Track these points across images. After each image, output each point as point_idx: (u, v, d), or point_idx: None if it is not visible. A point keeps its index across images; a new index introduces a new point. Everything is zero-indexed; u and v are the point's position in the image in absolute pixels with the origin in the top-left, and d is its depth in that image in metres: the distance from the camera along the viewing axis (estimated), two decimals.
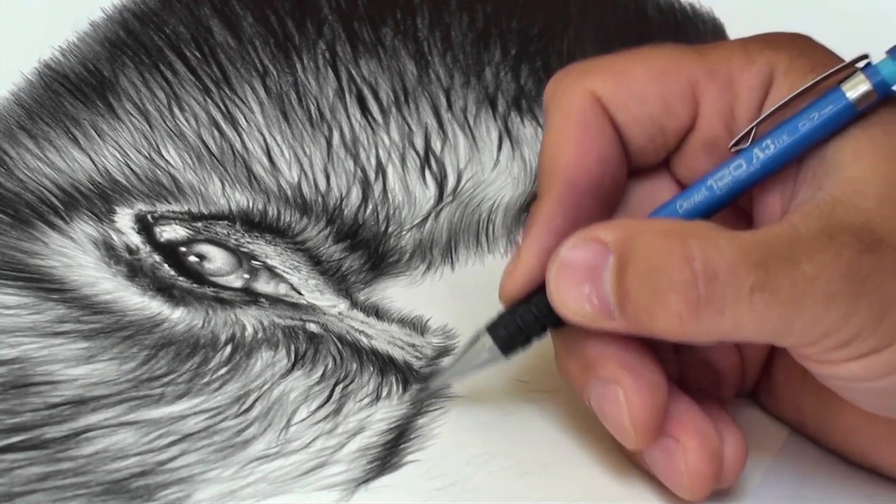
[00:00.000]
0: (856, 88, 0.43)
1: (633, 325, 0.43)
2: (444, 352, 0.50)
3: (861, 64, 0.44)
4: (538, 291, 0.45)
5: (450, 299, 0.51)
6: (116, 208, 0.52)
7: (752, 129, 0.45)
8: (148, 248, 0.51)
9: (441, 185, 0.55)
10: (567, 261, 0.43)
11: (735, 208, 0.47)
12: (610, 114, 0.46)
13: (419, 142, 0.57)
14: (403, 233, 0.53)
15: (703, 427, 0.45)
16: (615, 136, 0.46)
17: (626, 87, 0.46)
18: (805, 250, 0.41)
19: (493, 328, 0.46)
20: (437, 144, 0.57)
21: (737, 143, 0.45)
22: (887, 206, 0.42)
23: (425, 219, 0.54)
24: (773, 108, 0.45)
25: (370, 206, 0.54)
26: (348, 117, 0.57)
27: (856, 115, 0.44)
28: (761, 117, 0.45)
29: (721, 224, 0.43)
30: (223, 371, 0.48)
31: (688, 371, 0.48)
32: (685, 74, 0.46)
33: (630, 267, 0.42)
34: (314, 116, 0.57)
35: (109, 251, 0.51)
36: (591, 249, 0.43)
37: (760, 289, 0.41)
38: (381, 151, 0.56)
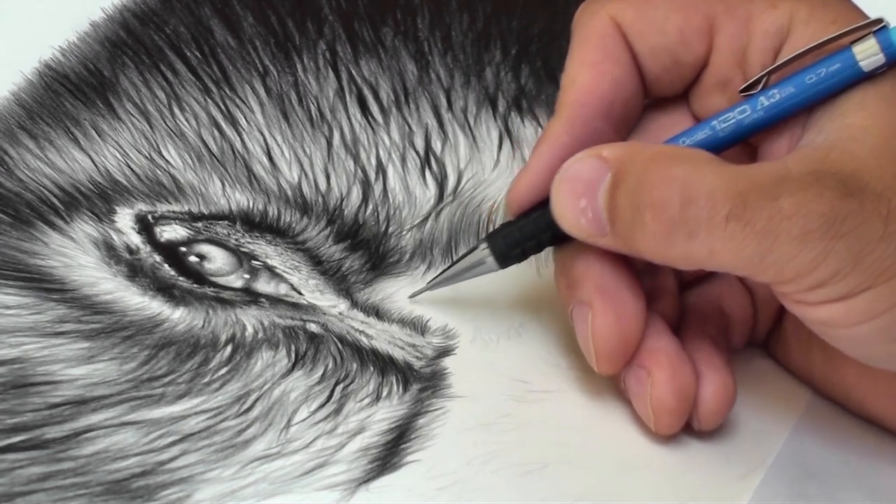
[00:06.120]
0: (867, 51, 0.44)
1: (621, 242, 0.44)
2: (444, 352, 0.50)
3: (876, 28, 0.45)
4: (540, 207, 0.46)
5: (450, 299, 0.51)
6: (117, 208, 0.52)
7: (764, 76, 0.46)
8: (148, 248, 0.51)
9: (441, 185, 0.55)
10: (569, 174, 0.44)
11: (748, 150, 0.47)
12: (629, 41, 0.47)
13: (419, 142, 0.57)
14: (404, 233, 0.53)
15: (677, 363, 0.46)
16: (632, 63, 0.47)
17: (646, 15, 0.47)
18: (788, 188, 0.42)
19: (492, 238, 0.48)
20: (437, 144, 0.57)
21: (748, 88, 0.46)
22: (880, 154, 0.43)
23: (426, 219, 0.54)
24: (785, 59, 0.45)
25: (370, 206, 0.54)
26: (348, 117, 0.57)
27: (863, 76, 0.44)
28: (773, 66, 0.46)
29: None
30: (223, 371, 0.48)
31: (697, 314, 0.49)
32: (704, 8, 0.47)
33: (622, 184, 0.43)
34: (314, 116, 0.57)
35: (110, 251, 0.51)
36: (592, 165, 0.44)
37: (736, 218, 0.42)
38: (381, 151, 0.56)
